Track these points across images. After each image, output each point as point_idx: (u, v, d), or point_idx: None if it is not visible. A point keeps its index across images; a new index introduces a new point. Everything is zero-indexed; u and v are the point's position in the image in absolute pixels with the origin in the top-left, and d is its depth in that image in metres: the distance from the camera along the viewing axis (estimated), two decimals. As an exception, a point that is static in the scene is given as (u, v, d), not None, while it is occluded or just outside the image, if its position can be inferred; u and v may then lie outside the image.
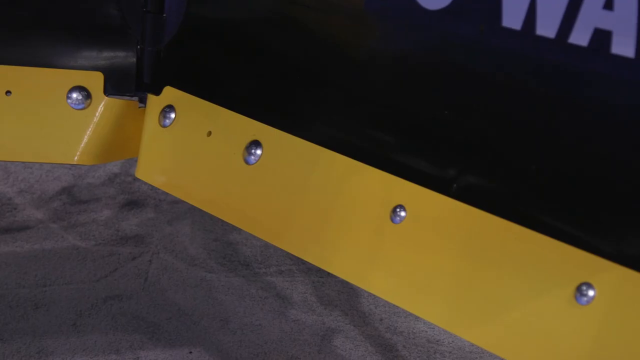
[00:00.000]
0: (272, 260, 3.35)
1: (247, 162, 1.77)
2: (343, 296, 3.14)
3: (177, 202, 3.63)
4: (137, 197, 3.70)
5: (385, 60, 1.66)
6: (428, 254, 1.52)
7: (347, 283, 2.77)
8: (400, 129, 1.62)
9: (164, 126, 1.90)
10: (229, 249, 3.39)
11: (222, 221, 1.86)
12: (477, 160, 1.50)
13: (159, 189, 2.71)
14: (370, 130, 1.67)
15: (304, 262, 3.15)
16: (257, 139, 1.76)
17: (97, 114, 1.95)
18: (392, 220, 1.55)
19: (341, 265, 1.67)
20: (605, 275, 1.31)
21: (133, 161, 1.98)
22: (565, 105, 1.41)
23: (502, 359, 1.42)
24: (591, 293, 1.32)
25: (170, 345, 2.72)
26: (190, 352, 2.69)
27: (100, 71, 1.95)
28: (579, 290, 1.32)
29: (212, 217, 2.94)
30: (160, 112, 1.91)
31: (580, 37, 1.34)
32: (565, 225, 1.37)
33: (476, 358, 2.83)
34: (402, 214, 1.54)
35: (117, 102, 1.95)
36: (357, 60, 1.70)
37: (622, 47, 1.30)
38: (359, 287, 1.89)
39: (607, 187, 1.36)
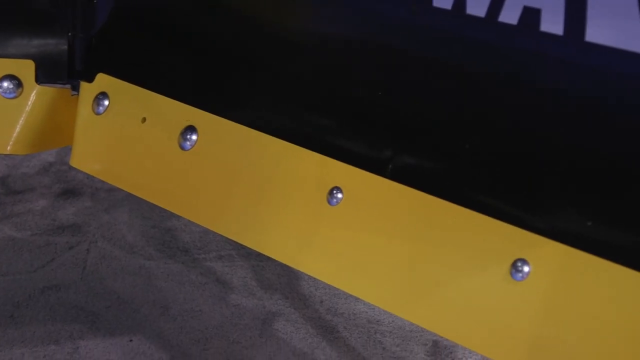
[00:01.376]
0: (211, 245, 3.34)
1: (182, 147, 1.76)
2: (283, 279, 3.15)
3: (113, 190, 3.60)
4: (73, 186, 3.66)
5: (317, 42, 1.66)
6: (366, 235, 1.52)
7: (287, 266, 2.77)
8: (334, 111, 1.63)
9: (97, 113, 1.88)
10: (168, 235, 3.38)
11: (160, 208, 1.85)
12: (411, 140, 1.51)
13: (95, 177, 2.69)
14: (305, 112, 1.67)
15: (243, 247, 3.14)
16: (192, 124, 1.75)
17: (29, 102, 1.92)
18: (329, 202, 1.56)
19: (280, 248, 1.67)
20: (540, 251, 1.33)
21: (68, 149, 1.95)
22: (497, 83, 1.42)
23: (442, 337, 1.44)
24: (526, 269, 1.33)
25: (110, 333, 2.70)
26: (131, 340, 2.68)
27: (31, 59, 1.92)
28: (515, 267, 1.34)
29: (149, 204, 2.92)
30: (94, 100, 1.89)
31: (509, 15, 1.36)
32: (500, 203, 1.39)
33: (416, 337, 2.85)
34: (339, 195, 1.55)
35: (49, 90, 1.93)
36: (289, 43, 1.70)
37: (551, 24, 1.32)
38: (298, 270, 1.91)
39: (539, 164, 1.38)
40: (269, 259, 1.63)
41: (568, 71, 1.36)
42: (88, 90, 1.91)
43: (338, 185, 1.55)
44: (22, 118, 1.92)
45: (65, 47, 1.94)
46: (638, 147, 1.29)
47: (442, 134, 1.48)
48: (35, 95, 1.92)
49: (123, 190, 1.97)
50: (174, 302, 2.92)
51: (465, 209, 1.40)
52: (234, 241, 1.74)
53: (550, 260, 1.32)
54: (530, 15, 1.34)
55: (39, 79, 1.92)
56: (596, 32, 1.30)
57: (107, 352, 2.61)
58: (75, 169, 1.99)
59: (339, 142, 1.59)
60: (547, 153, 1.37)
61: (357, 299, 2.97)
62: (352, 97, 1.61)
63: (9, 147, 1.93)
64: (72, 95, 1.97)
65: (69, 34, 1.93)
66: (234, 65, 1.77)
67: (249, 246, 1.73)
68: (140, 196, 1.92)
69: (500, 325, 1.36)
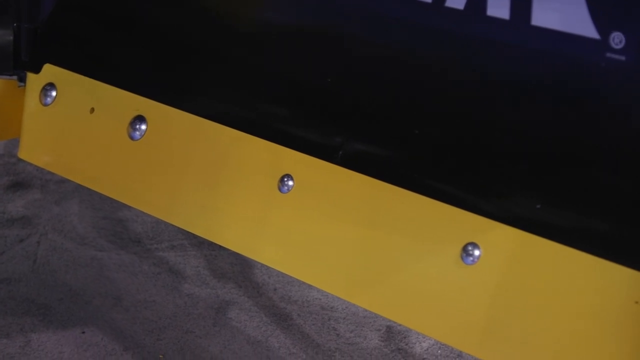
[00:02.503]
0: (163, 235, 3.32)
1: (132, 137, 1.75)
2: (236, 268, 3.15)
3: (63, 181, 3.56)
4: (22, 178, 3.62)
5: (266, 31, 1.66)
6: (317, 222, 1.53)
7: (240, 255, 2.77)
8: (284, 99, 1.63)
9: (45, 104, 1.87)
10: (119, 226, 3.36)
11: (111, 199, 1.84)
12: (361, 127, 1.52)
13: (44, 169, 2.67)
14: (255, 101, 1.67)
15: (195, 236, 3.13)
16: (141, 114, 1.74)
17: (-25, 94, 1.90)
18: (280, 189, 1.56)
19: (232, 237, 1.67)
20: (490, 235, 1.34)
21: (16, 141, 1.93)
22: (444, 69, 1.43)
23: (395, 322, 1.45)
24: (477, 253, 1.34)
25: (62, 326, 2.68)
26: (83, 332, 2.66)
27: (-24, 51, 1.89)
28: (465, 251, 1.35)
29: (100, 195, 2.90)
30: (41, 91, 1.87)
31: (456, 0, 1.37)
32: (450, 188, 1.40)
33: (370, 323, 2.87)
34: (290, 183, 1.55)
35: (-5, 81, 1.91)
36: (237, 32, 1.70)
37: (497, 9, 1.33)
38: (251, 259, 1.90)
39: (488, 149, 1.40)
40: (221, 247, 1.63)
41: (514, 55, 1.37)
42: (35, 81, 1.89)
43: (289, 173, 1.55)
44: (-32, 110, 1.90)
45: (11, 37, 1.91)
46: (584, 130, 1.31)
47: (392, 120, 1.49)
48: (-19, 87, 1.90)
49: (73, 182, 1.96)
50: (127, 293, 2.91)
51: (416, 194, 1.41)
52: (186, 231, 1.73)
53: (500, 244, 1.33)
54: (477, 0, 1.35)
55: (-15, 71, 1.90)
56: (542, 16, 1.31)
57: (60, 344, 2.59)
58: (24, 161, 1.97)
59: (289, 130, 1.60)
60: (495, 137, 1.38)
61: (310, 286, 2.97)
62: (301, 85, 1.61)
63: (-45, 140, 1.91)
64: (19, 86, 1.95)
65: (15, 24, 1.91)
66: (183, 54, 1.76)
67: (201, 235, 1.72)
68: (91, 187, 1.90)
69: (452, 309, 1.38)
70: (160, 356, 2.60)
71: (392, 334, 2.81)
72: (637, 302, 1.18)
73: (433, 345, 2.77)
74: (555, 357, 1.25)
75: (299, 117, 1.61)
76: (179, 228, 1.81)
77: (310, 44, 1.59)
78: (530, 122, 1.36)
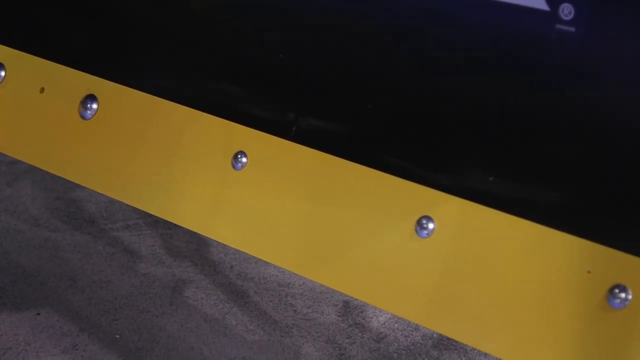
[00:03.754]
0: (118, 215, 3.31)
1: (83, 117, 1.73)
2: (192, 246, 3.14)
3: (15, 162, 3.53)
4: (-28, 160, 3.59)
5: (217, 6, 1.65)
6: (272, 198, 1.53)
7: (196, 233, 2.76)
8: (235, 75, 1.62)
9: (-6, 85, 1.84)
10: (73, 206, 3.33)
11: (64, 179, 1.82)
12: (314, 102, 1.52)
13: (-5, 150, 2.63)
14: (206, 78, 1.66)
15: (150, 215, 3.12)
16: (92, 93, 1.73)
17: None
18: (234, 166, 1.55)
19: (187, 215, 1.66)
20: (444, 208, 1.35)
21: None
22: (394, 42, 1.43)
23: (352, 297, 1.45)
24: (431, 226, 1.35)
25: (16, 308, 2.66)
26: (38, 314, 2.64)
27: None
28: (420, 224, 1.36)
29: (53, 176, 2.88)
30: (-11, 71, 1.85)
31: None
32: (403, 161, 1.41)
33: (327, 298, 2.88)
34: (244, 160, 1.54)
35: (-59, 62, 1.88)
36: (188, 9, 1.68)
37: None
38: (207, 237, 1.90)
39: (441, 123, 1.40)
40: (177, 226, 1.63)
41: (464, 28, 1.37)
42: (-18, 61, 1.87)
43: (242, 150, 1.55)
44: None
45: None
46: (535, 102, 1.32)
47: (344, 94, 1.49)
48: None
49: (25, 163, 1.94)
50: (82, 274, 2.89)
51: (370, 169, 1.41)
52: (141, 210, 1.72)
53: (455, 217, 1.34)
54: None
55: None
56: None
57: (15, 326, 2.57)
58: (-27, 142, 1.94)
59: (243, 107, 1.59)
60: (447, 111, 1.39)
61: (267, 263, 2.98)
62: (253, 61, 1.60)
63: None
64: (-34, 67, 1.92)
65: None
66: (133, 32, 1.75)
67: (155, 214, 1.71)
68: (43, 168, 1.88)
69: (408, 282, 1.38)
70: (117, 336, 2.59)
71: (349, 308, 2.82)
72: (589, 272, 1.20)
73: (390, 319, 2.79)
74: (510, 327, 1.26)
75: (252, 94, 1.60)
76: (133, 207, 1.81)
77: (261, 20, 1.58)
78: (482, 94, 1.37)
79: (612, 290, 1.17)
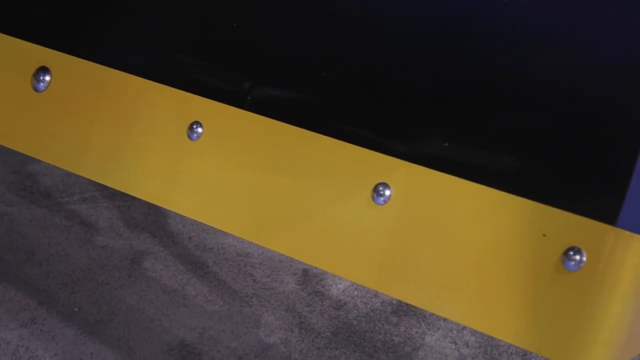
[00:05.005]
0: (74, 188, 3.28)
1: (36, 89, 1.71)
2: (150, 218, 3.13)
3: (-32, 136, 3.48)
4: None
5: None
6: (228, 168, 1.52)
7: (153, 205, 2.75)
8: (190, 46, 1.61)
9: (-57, 58, 1.81)
10: (29, 180, 3.30)
11: (19, 153, 1.80)
12: (268, 70, 1.51)
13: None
14: (160, 49, 1.64)
15: (107, 188, 3.10)
16: (45, 65, 1.71)
17: None
18: (190, 137, 1.55)
19: (143, 187, 1.65)
20: (400, 174, 1.35)
21: None
22: (349, 9, 1.43)
23: (311, 265, 1.45)
24: (388, 192, 1.36)
25: (-27, 283, 2.65)
26: (-4, 289, 2.63)
27: None
28: (376, 191, 1.36)
29: (8, 150, 2.84)
30: (-62, 44, 1.82)
31: None
32: (358, 129, 1.41)
33: (286, 267, 2.89)
34: (199, 130, 1.54)
35: None
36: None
37: None
38: (165, 208, 1.90)
39: (395, 89, 1.40)
40: (134, 198, 1.62)
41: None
42: None
43: (198, 120, 1.54)
44: None
45: None
46: (488, 67, 1.32)
47: (299, 62, 1.49)
48: None
49: (-22, 137, 1.91)
50: (39, 248, 2.87)
51: (326, 137, 1.41)
52: (98, 182, 1.71)
53: (410, 183, 1.34)
54: None
55: None
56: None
57: (-28, 302, 2.56)
58: None
59: (197, 77, 1.58)
60: (400, 77, 1.39)
61: (225, 233, 2.97)
62: (206, 30, 1.59)
63: None
64: None
65: None
66: (86, 3, 1.73)
67: (112, 186, 1.70)
68: (-4, 142, 1.87)
69: (366, 250, 1.39)
70: (76, 309, 2.58)
71: (309, 277, 2.83)
72: (544, 235, 1.21)
73: (349, 286, 2.81)
74: (467, 291, 1.27)
75: (206, 64, 1.59)
76: (89, 180, 1.79)
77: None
78: (434, 60, 1.37)
79: (567, 253, 1.18)
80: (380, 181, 1.36)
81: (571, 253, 1.18)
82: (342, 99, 1.44)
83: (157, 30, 1.65)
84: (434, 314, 2.56)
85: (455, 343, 2.52)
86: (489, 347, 2.49)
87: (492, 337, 2.42)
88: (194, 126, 1.54)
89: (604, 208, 1.19)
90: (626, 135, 1.20)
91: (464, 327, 2.56)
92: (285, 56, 1.51)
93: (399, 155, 1.35)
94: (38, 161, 3.31)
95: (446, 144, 1.34)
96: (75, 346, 2.42)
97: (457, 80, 1.34)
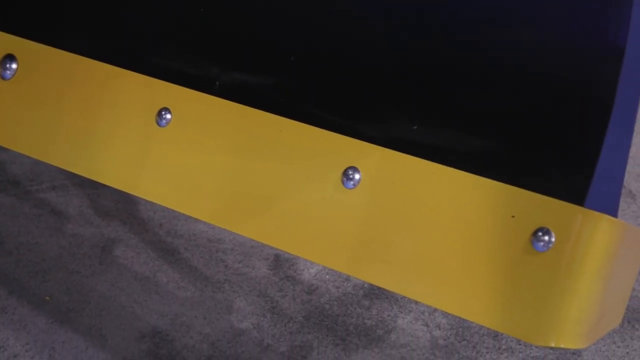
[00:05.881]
0: (43, 176, 3.26)
1: (2, 77, 1.70)
2: (120, 205, 3.11)
3: None
4: None
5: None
6: (198, 154, 1.52)
7: (124, 192, 2.75)
8: (157, 31, 1.60)
9: None
10: (-3, 169, 3.28)
11: (-14, 142, 1.79)
12: (236, 56, 1.51)
13: None
14: (127, 35, 1.64)
15: (77, 176, 3.08)
16: (12, 53, 1.69)
17: None
18: (158, 123, 1.54)
19: (113, 174, 1.65)
20: (369, 158, 1.36)
21: None
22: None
23: (282, 251, 1.45)
24: (357, 176, 1.36)
25: (-57, 274, 2.63)
26: (-34, 279, 2.61)
27: None
28: (346, 175, 1.36)
29: (-26, 138, 2.82)
30: None
31: None
32: (327, 113, 1.41)
33: (257, 252, 2.89)
34: (168, 116, 1.53)
35: None
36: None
37: None
38: (135, 195, 1.89)
39: (364, 74, 1.40)
40: (104, 186, 1.61)
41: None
42: None
43: (166, 106, 1.54)
44: None
45: None
46: (455, 50, 1.33)
47: (267, 47, 1.49)
48: None
49: (-56, 126, 1.89)
50: (8, 236, 2.85)
51: (294, 122, 1.42)
52: (67, 170, 1.70)
53: (380, 166, 1.35)
54: None
55: None
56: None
57: (-59, 292, 2.54)
58: None
59: (165, 63, 1.58)
60: (368, 62, 1.39)
61: (196, 220, 2.96)
62: (173, 16, 1.59)
63: None
64: None
65: None
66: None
67: (81, 174, 1.70)
68: (-37, 130, 1.85)
69: (337, 234, 1.39)
70: (47, 298, 2.57)
71: (280, 262, 2.83)
72: (513, 217, 1.22)
73: (321, 270, 2.81)
74: (437, 274, 1.28)
75: (174, 50, 1.59)
76: (59, 168, 1.78)
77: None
78: (401, 44, 1.37)
79: (536, 234, 1.19)
80: (349, 165, 1.36)
81: (540, 234, 1.18)
82: (310, 84, 1.44)
83: (124, 16, 1.64)
84: (405, 297, 2.57)
85: (427, 325, 2.53)
86: (460, 329, 2.50)
87: (463, 319, 2.44)
88: (163, 112, 1.54)
89: (572, 189, 1.20)
90: (593, 117, 1.21)
91: (436, 310, 2.57)
92: (253, 41, 1.50)
93: (368, 139, 1.36)
94: (6, 150, 3.28)
95: (415, 127, 1.34)
96: (47, 335, 2.41)
97: (425, 63, 1.35)
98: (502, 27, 1.29)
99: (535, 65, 1.27)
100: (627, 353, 2.40)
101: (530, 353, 2.40)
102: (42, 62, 1.68)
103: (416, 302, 2.62)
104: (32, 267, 2.71)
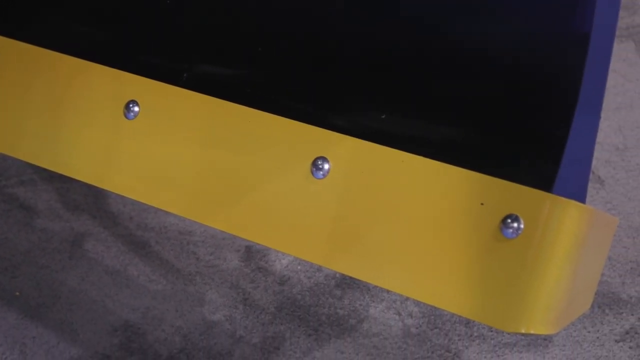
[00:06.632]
0: (11, 171, 3.24)
1: (-33, 71, 1.69)
2: (90, 199, 3.10)
3: None
4: None
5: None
6: (167, 146, 1.52)
7: (93, 186, 2.73)
8: (124, 23, 1.60)
9: None
10: (-37, 164, 3.25)
11: (-48, 137, 1.77)
12: (204, 47, 1.50)
13: None
14: (93, 27, 1.63)
15: (45, 170, 3.06)
16: (-25, 47, 1.68)
17: None
18: (126, 116, 1.53)
19: (81, 168, 1.64)
20: (338, 148, 1.36)
21: None
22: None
23: (254, 242, 1.45)
24: (326, 166, 1.36)
25: None
26: None
27: None
28: (315, 165, 1.36)
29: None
30: None
31: None
32: (295, 104, 1.41)
33: (229, 244, 2.88)
34: (136, 109, 1.53)
35: None
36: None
37: None
38: (104, 189, 1.87)
39: (333, 63, 1.40)
40: (73, 180, 1.60)
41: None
42: None
43: (134, 99, 1.53)
44: None
45: None
46: (423, 38, 1.33)
47: (235, 38, 1.48)
48: None
49: None
50: (-23, 233, 2.84)
51: (263, 112, 1.41)
52: (35, 165, 1.69)
53: (349, 156, 1.35)
54: None
55: None
56: None
57: None
58: None
59: (132, 55, 1.57)
60: (335, 50, 1.39)
61: (167, 212, 2.95)
62: (140, 7, 1.58)
63: None
64: None
65: None
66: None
67: (49, 168, 1.69)
68: None
69: (307, 224, 1.39)
70: (17, 293, 2.55)
71: (252, 253, 2.83)
72: (482, 204, 1.22)
73: (293, 261, 2.81)
74: (408, 262, 1.28)
75: (141, 42, 1.58)
76: (27, 163, 1.77)
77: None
78: (369, 33, 1.37)
79: (505, 221, 1.19)
80: (319, 155, 1.36)
81: (509, 221, 1.19)
82: (278, 74, 1.44)
83: (90, 8, 1.63)
84: (377, 286, 2.58)
85: (399, 314, 2.54)
86: (432, 317, 2.51)
87: (435, 307, 2.45)
88: (131, 105, 1.53)
89: (540, 175, 1.21)
90: (560, 104, 1.22)
91: (408, 298, 2.58)
92: (220, 32, 1.50)
93: (337, 129, 1.36)
94: (-27, 145, 3.25)
95: (383, 117, 1.34)
96: (18, 330, 2.40)
97: (392, 52, 1.35)
98: (468, 15, 1.29)
99: (502, 53, 1.28)
100: (598, 337, 2.42)
101: (502, 340, 2.42)
102: (7, 56, 1.66)
103: (388, 291, 2.63)
104: (1, 262, 2.69)
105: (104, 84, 1.57)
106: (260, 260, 2.81)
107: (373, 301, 2.60)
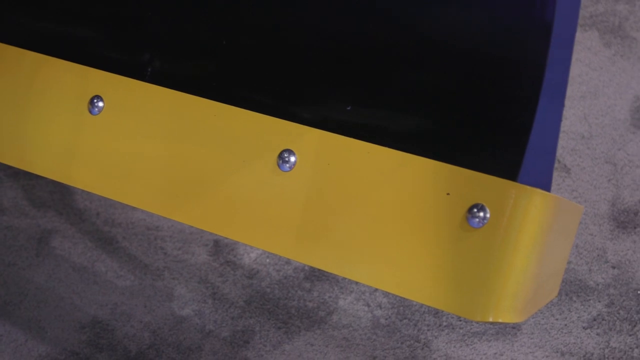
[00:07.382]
0: (-25, 169, 3.21)
1: None
2: (56, 196, 3.08)
3: None
4: None
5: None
6: (132, 141, 1.51)
7: (59, 182, 2.71)
8: (87, 18, 1.59)
9: None
10: None
11: None
12: (167, 41, 1.50)
13: None
14: (56, 22, 1.62)
15: (10, 167, 3.04)
16: None
17: None
18: (91, 111, 1.53)
19: (46, 164, 1.63)
20: (304, 140, 1.36)
21: None
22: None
23: (222, 236, 1.44)
24: (293, 159, 1.36)
25: None
26: None
27: None
28: (281, 158, 1.36)
29: None
30: None
31: None
32: (261, 97, 1.41)
33: (197, 239, 2.87)
34: (100, 104, 1.52)
35: None
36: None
37: None
38: (70, 185, 1.86)
39: (298, 55, 1.40)
40: (39, 177, 1.59)
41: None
42: None
43: (98, 94, 1.52)
44: None
45: None
46: (385, 28, 1.33)
47: (198, 32, 1.48)
48: None
49: None
50: (-58, 231, 2.81)
51: (228, 106, 1.41)
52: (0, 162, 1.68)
53: (315, 148, 1.35)
54: None
55: None
56: None
57: None
58: None
59: (96, 50, 1.56)
60: (299, 42, 1.39)
61: (134, 208, 2.94)
62: (103, 2, 1.57)
63: None
64: None
65: None
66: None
67: (13, 165, 1.67)
68: None
69: (275, 217, 1.39)
70: (-17, 292, 2.53)
71: (220, 247, 2.82)
72: (448, 194, 1.23)
73: (261, 254, 2.81)
74: (375, 254, 1.29)
75: (104, 37, 1.57)
76: (-10, 160, 1.76)
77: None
78: (331, 25, 1.37)
79: (471, 210, 1.20)
80: (285, 148, 1.36)
81: (475, 210, 1.20)
82: (243, 67, 1.43)
83: (53, 3, 1.62)
84: (346, 278, 2.59)
85: (369, 305, 2.54)
86: (401, 308, 2.52)
87: (404, 298, 2.46)
88: (95, 100, 1.52)
89: (505, 165, 1.21)
90: (523, 92, 1.23)
91: (376, 290, 2.59)
92: (184, 26, 1.49)
93: (302, 121, 1.35)
94: (-64, 143, 3.22)
95: (349, 108, 1.34)
96: (-15, 329, 2.38)
97: (355, 43, 1.35)
98: (429, 4, 1.29)
99: (465, 42, 1.28)
100: (566, 325, 2.44)
101: (471, 329, 2.43)
102: (-32, 53, 1.65)
103: (357, 283, 2.64)
104: (-33, 261, 2.67)
105: (68, 79, 1.56)
106: (229, 254, 2.80)
107: (342, 293, 2.60)
